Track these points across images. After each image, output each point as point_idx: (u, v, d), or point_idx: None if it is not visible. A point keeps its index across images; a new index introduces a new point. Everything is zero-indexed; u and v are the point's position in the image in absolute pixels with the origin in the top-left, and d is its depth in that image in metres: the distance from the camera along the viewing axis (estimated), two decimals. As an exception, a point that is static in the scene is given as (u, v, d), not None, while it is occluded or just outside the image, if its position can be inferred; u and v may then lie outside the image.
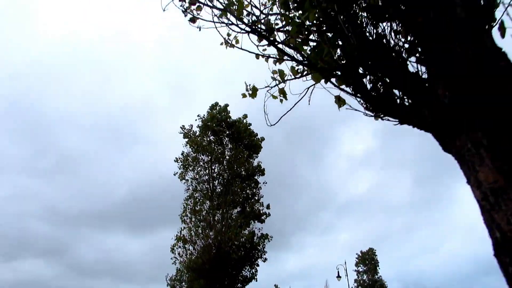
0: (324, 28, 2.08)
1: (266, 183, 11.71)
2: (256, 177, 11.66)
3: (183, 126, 12.58)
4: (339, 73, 1.99)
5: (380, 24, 2.05)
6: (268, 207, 11.22)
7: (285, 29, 2.41)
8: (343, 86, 2.05)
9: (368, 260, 35.81)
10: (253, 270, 10.71)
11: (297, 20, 2.22)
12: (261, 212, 11.16)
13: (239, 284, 10.59)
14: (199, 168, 11.78)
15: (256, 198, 11.39)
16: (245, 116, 12.66)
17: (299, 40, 2.17)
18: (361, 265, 36.05)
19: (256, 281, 10.75)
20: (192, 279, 20.45)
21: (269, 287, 69.60)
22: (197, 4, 2.79)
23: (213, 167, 11.65)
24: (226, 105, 12.82)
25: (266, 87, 2.71)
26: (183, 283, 21.57)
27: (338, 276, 40.12)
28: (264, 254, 10.77)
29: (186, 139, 12.36)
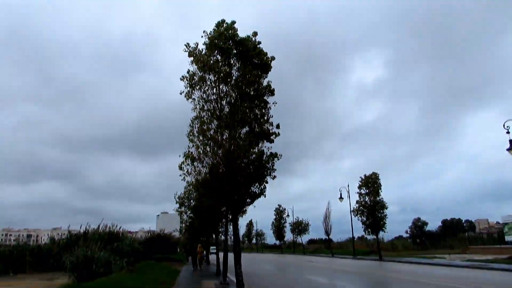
0: None
1: (276, 103, 11.42)
2: (265, 98, 11.36)
3: (188, 44, 11.98)
4: None
5: None
6: (278, 126, 11.05)
7: None
8: None
9: (370, 183, 36.89)
10: (262, 187, 10.93)
11: None
12: (271, 131, 11.05)
13: (248, 200, 10.90)
14: (206, 87, 11.42)
15: (265, 118, 11.19)
16: (255, 33, 11.90)
17: None
18: (364, 188, 37.23)
19: (265, 197, 11.03)
20: (200, 196, 21.32)
21: (273, 207, 73.27)
22: None
23: (221, 86, 11.31)
24: (233, 22, 12.03)
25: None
26: (192, 201, 22.50)
27: (341, 198, 41.80)
28: (273, 172, 10.91)
29: (192, 58, 11.84)
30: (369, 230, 36.65)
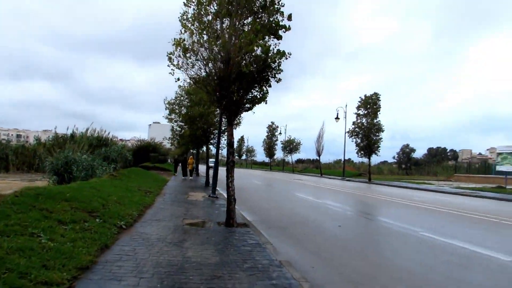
0: None
1: (287, -12, 9.19)
2: (274, -20, 9.07)
3: None
4: None
5: None
6: (289, 17, 8.99)
7: None
8: None
9: (370, 104, 35.39)
10: (264, 90, 9.25)
11: None
12: (280, 24, 9.00)
13: (247, 105, 9.28)
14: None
15: (275, 7, 9.03)
16: None
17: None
18: (362, 109, 35.83)
19: (266, 103, 9.41)
20: (192, 104, 19.66)
21: (266, 124, 72.67)
22: None
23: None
24: None
25: None
26: (183, 108, 20.84)
27: (337, 118, 40.65)
28: (279, 74, 9.14)
29: None
30: (362, 152, 36.13)
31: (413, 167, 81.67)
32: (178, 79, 9.03)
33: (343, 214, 12.50)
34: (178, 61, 8.65)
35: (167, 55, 8.54)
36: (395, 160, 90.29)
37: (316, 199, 17.26)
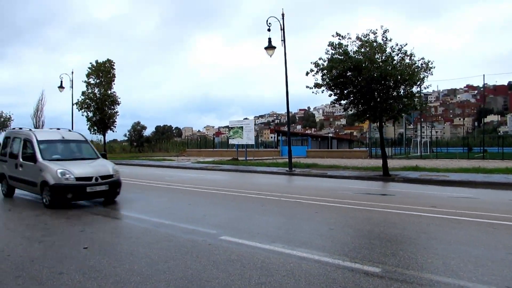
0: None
1: None
2: None
3: None
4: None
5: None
6: None
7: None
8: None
9: (103, 72, 29.98)
10: None
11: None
12: None
13: None
14: None
15: None
16: None
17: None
18: (94, 77, 29.96)
19: None
20: None
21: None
22: None
23: None
24: None
25: None
26: None
27: (61, 87, 32.77)
28: None
29: None
30: (95, 128, 30.56)
31: (145, 144, 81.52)
32: None
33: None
34: None
35: None
36: (126, 138, 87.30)
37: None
